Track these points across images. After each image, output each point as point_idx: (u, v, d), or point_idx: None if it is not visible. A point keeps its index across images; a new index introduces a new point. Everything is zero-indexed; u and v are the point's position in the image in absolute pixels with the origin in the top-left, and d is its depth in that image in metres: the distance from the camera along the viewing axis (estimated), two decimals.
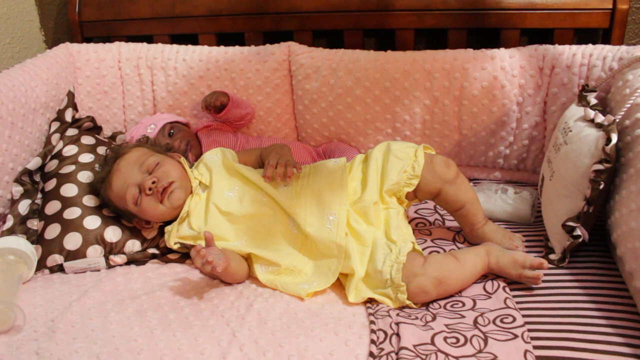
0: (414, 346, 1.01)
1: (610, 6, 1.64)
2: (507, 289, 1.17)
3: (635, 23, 1.77)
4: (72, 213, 1.35)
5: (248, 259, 1.28)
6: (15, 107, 1.44)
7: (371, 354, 1.00)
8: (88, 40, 1.97)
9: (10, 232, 1.36)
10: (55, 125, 1.58)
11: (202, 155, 1.42)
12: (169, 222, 1.34)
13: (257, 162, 1.42)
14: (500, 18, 1.71)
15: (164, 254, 1.37)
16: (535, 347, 0.99)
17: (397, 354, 1.00)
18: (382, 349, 1.01)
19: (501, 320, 1.07)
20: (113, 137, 1.73)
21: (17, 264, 1.24)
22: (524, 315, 1.08)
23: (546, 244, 1.29)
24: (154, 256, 1.37)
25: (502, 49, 1.54)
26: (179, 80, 1.76)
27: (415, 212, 1.50)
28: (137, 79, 1.79)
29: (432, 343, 1.02)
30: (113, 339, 1.05)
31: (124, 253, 1.34)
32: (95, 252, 1.32)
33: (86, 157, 1.49)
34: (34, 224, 1.39)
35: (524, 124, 1.56)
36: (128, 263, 1.35)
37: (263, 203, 1.29)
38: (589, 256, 1.25)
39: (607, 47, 1.45)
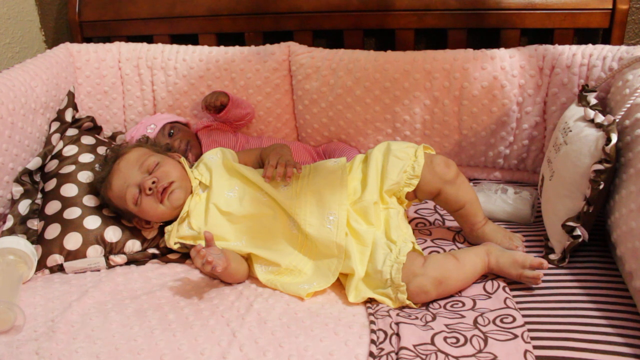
0: (414, 346, 1.01)
1: (610, 6, 1.64)
2: (507, 289, 1.17)
3: (635, 23, 1.77)
4: (72, 213, 1.35)
5: (248, 259, 1.28)
6: (15, 107, 1.44)
7: (371, 354, 1.00)
8: (88, 40, 1.97)
9: (10, 232, 1.36)
10: (55, 125, 1.58)
11: (202, 155, 1.42)
12: (169, 222, 1.34)
13: (257, 162, 1.42)
14: (500, 18, 1.71)
15: (164, 254, 1.37)
16: (535, 347, 0.99)
17: (397, 354, 1.00)
18: (382, 349, 1.01)
19: (501, 320, 1.07)
20: (113, 137, 1.73)
21: (17, 264, 1.25)
22: (524, 315, 1.08)
23: (546, 244, 1.29)
24: (154, 256, 1.37)
25: (502, 49, 1.54)
26: (179, 80, 1.76)
27: (415, 212, 1.50)
28: (137, 79, 1.79)
29: (432, 343, 1.02)
30: (113, 338, 1.06)
31: (124, 253, 1.34)
32: (95, 252, 1.32)
33: (86, 157, 1.49)
34: (34, 224, 1.39)
35: (524, 124, 1.56)
36: (128, 263, 1.35)
37: (263, 203, 1.29)
38: (589, 256, 1.25)
39: (607, 47, 1.45)
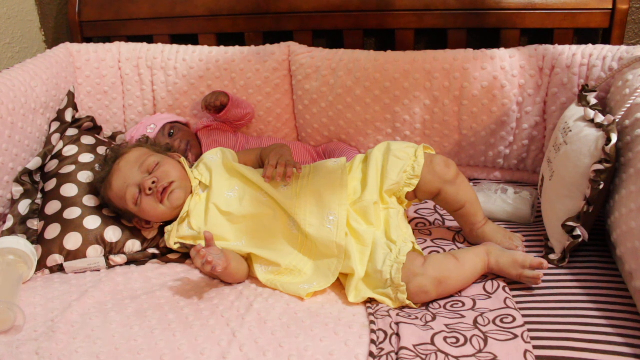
0: (414, 346, 1.01)
1: (610, 6, 1.64)
2: (507, 289, 1.17)
3: (635, 23, 1.77)
4: (72, 213, 1.35)
5: (248, 259, 1.28)
6: (15, 107, 1.44)
7: (371, 354, 1.00)
8: (88, 40, 1.97)
9: (10, 232, 1.36)
10: (55, 125, 1.58)
11: (202, 155, 1.42)
12: (169, 222, 1.34)
13: (257, 162, 1.42)
14: (500, 18, 1.71)
15: (164, 254, 1.37)
16: (535, 347, 0.99)
17: (397, 354, 1.00)
18: (382, 349, 1.01)
19: (501, 320, 1.07)
20: (113, 137, 1.73)
21: (17, 264, 1.25)
22: (524, 315, 1.08)
23: (546, 244, 1.29)
24: (154, 256, 1.37)
25: (502, 49, 1.54)
26: (179, 80, 1.76)
27: (415, 212, 1.50)
28: (137, 79, 1.79)
29: (432, 343, 1.02)
30: (113, 338, 1.06)
31: (124, 253, 1.34)
32: (95, 252, 1.32)
33: (86, 157, 1.49)
34: (34, 224, 1.39)
35: (524, 124, 1.56)
36: (128, 263, 1.35)
37: (263, 203, 1.29)
38: (589, 256, 1.25)
39: (607, 47, 1.45)
